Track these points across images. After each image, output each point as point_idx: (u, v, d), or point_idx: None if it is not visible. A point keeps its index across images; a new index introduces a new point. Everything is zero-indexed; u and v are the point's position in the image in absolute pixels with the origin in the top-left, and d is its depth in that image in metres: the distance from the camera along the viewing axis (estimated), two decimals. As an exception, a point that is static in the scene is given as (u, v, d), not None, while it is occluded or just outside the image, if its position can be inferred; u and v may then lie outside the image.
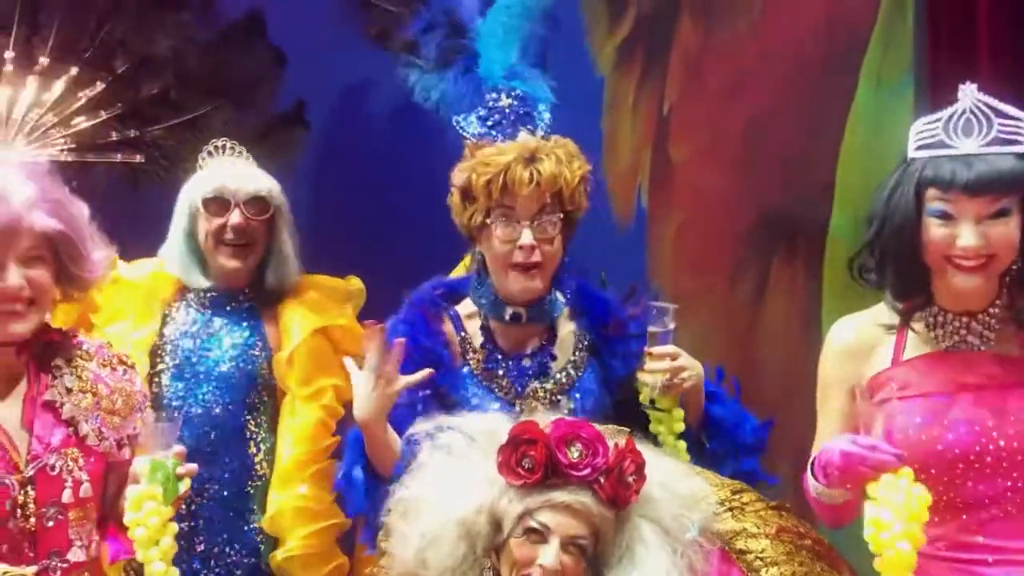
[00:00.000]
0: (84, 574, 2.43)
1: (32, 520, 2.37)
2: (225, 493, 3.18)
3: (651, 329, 2.78)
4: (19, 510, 2.36)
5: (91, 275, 2.47)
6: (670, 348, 2.76)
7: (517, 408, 2.77)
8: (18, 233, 2.35)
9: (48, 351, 2.46)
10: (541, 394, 2.79)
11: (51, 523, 2.38)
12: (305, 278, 3.34)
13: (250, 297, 3.31)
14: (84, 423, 2.42)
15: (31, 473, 2.37)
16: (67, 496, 2.39)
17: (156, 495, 2.32)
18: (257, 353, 3.26)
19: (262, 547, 3.20)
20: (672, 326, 2.78)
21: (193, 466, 2.40)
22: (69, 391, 2.43)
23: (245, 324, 3.28)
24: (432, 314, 2.87)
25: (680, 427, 2.77)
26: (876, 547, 2.31)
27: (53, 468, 2.39)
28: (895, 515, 2.30)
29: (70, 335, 2.52)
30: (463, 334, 2.87)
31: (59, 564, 2.39)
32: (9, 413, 2.40)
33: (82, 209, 2.47)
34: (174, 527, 2.36)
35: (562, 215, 2.80)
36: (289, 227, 3.31)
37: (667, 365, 2.74)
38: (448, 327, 2.87)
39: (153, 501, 2.32)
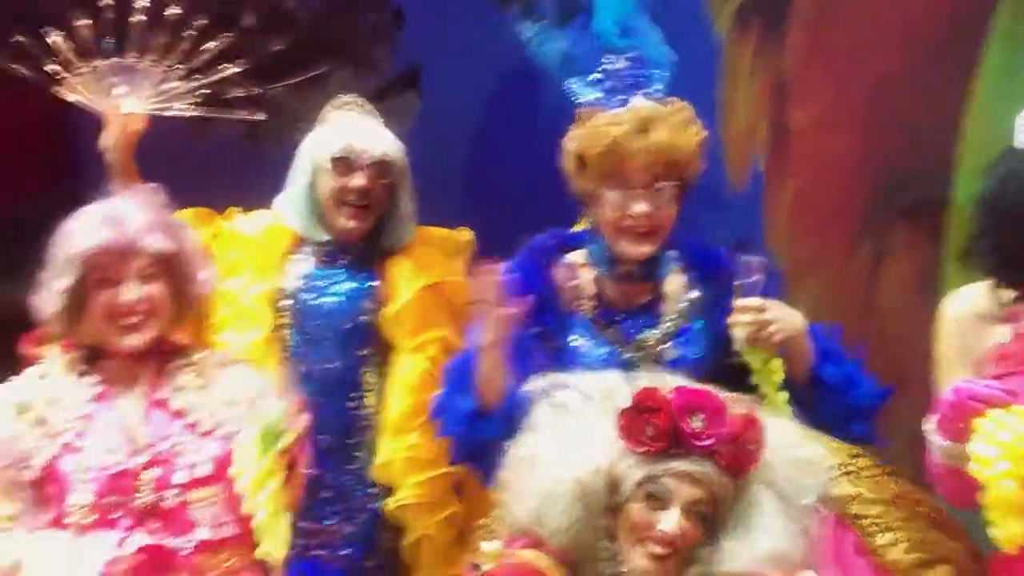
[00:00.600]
0: (222, 553, 2.55)
1: (156, 500, 2.50)
2: (341, 444, 3.22)
3: (737, 282, 2.75)
4: (142, 491, 2.51)
5: (201, 291, 2.68)
6: (755, 301, 2.72)
7: (625, 356, 2.78)
8: (135, 252, 2.57)
9: (164, 356, 2.65)
10: (650, 342, 2.79)
11: (174, 503, 2.51)
12: (416, 231, 3.36)
13: (365, 252, 3.32)
14: (197, 413, 2.57)
15: (150, 456, 2.53)
16: (185, 477, 2.52)
17: (266, 471, 2.41)
18: (370, 306, 3.28)
19: (379, 494, 3.23)
20: (758, 278, 2.74)
21: (302, 420, 2.48)
22: (183, 388, 2.61)
23: (359, 278, 3.30)
24: (545, 261, 2.88)
25: (778, 378, 2.73)
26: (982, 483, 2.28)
27: (171, 451, 2.54)
28: (1000, 453, 2.26)
29: (186, 344, 2.71)
30: (576, 282, 2.87)
31: (186, 543, 2.51)
32: (129, 407, 2.59)
33: (190, 233, 2.70)
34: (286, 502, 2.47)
35: (676, 183, 2.78)
36: (409, 189, 3.33)
37: (750, 318, 2.71)
38: (561, 274, 2.87)
39: (266, 482, 2.41)
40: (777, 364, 2.74)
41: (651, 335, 2.84)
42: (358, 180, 3.23)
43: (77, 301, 2.57)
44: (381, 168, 3.25)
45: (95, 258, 2.56)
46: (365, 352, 3.27)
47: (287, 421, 2.48)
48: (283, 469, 2.49)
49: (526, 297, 2.74)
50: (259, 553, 2.50)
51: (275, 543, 2.46)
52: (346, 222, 3.26)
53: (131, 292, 2.56)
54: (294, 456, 2.53)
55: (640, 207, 2.75)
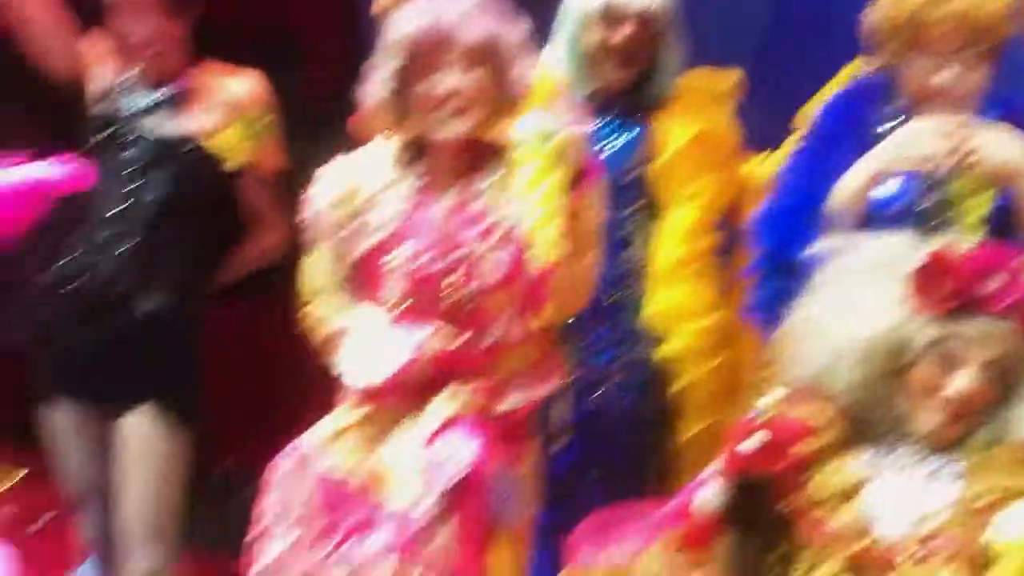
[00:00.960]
0: (516, 354, 2.62)
1: (456, 302, 2.56)
2: (612, 296, 3.24)
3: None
4: (445, 293, 2.56)
5: (520, 86, 2.63)
6: (954, 119, 2.64)
7: (926, 207, 2.72)
8: (454, 41, 2.54)
9: (479, 153, 2.63)
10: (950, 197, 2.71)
11: (473, 305, 2.57)
12: (684, 77, 3.33)
13: (632, 103, 3.31)
14: (502, 215, 2.57)
15: (454, 258, 2.56)
16: (485, 280, 2.56)
17: (540, 171, 2.43)
18: (637, 158, 3.29)
19: (650, 344, 3.26)
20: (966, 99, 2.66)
21: (582, 124, 2.52)
22: (492, 187, 2.60)
23: (626, 129, 3.30)
24: (860, 105, 2.87)
25: (976, 216, 2.66)
26: None
27: (474, 254, 2.56)
28: None
29: (501, 142, 2.65)
30: (887, 126, 2.82)
31: (483, 344, 2.58)
32: (440, 207, 2.60)
33: (515, 25, 2.62)
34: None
35: (985, 48, 2.70)
36: (676, 37, 3.29)
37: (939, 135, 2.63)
38: (878, 114, 2.85)
39: (540, 182, 2.44)
40: (982, 200, 2.65)
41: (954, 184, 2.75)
42: (624, 31, 3.21)
43: (400, 90, 2.59)
44: (647, 19, 3.21)
45: (416, 45, 2.55)
46: (635, 204, 3.29)
47: (563, 122, 2.48)
48: (563, 173, 2.49)
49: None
50: (528, 256, 2.53)
51: (543, 248, 2.49)
52: (613, 73, 3.25)
53: (450, 81, 2.55)
54: (579, 164, 2.53)
55: (946, 75, 2.70)
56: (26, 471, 3.91)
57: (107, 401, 3.21)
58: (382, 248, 2.60)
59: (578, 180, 2.56)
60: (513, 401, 2.62)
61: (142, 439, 3.19)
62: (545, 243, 2.51)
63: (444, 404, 2.56)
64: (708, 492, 2.35)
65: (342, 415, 2.63)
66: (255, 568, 2.62)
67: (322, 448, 2.61)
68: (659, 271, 3.25)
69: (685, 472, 3.05)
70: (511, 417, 2.62)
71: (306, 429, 2.66)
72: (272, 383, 3.79)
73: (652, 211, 3.30)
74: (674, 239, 3.25)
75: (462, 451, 2.51)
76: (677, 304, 3.23)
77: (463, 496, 2.51)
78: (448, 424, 2.54)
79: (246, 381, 3.72)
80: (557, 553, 2.70)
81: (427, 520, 2.52)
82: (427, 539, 2.52)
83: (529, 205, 2.53)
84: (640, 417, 3.24)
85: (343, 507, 2.57)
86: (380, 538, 2.54)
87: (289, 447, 2.63)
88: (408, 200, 2.61)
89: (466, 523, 2.51)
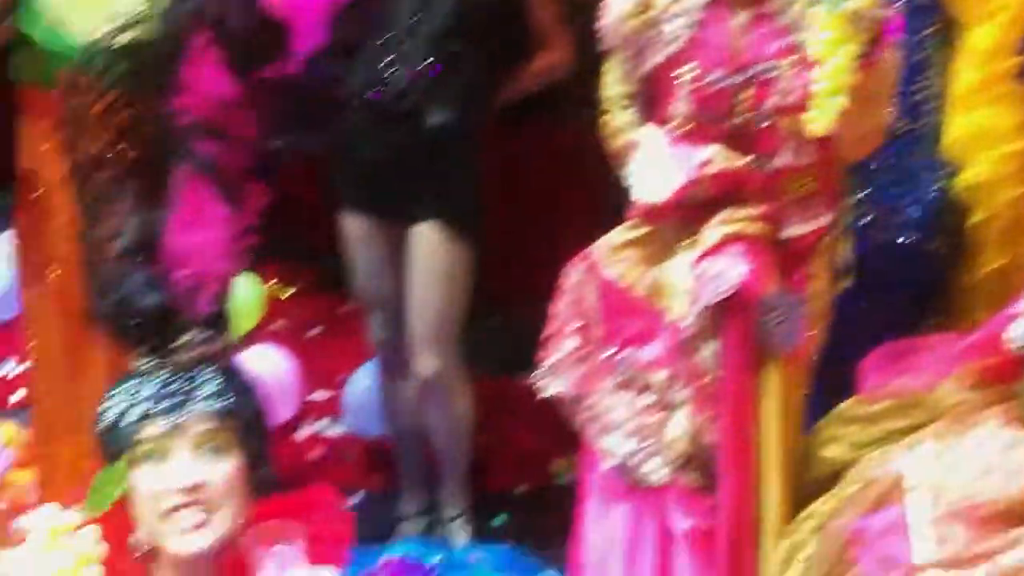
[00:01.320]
0: (800, 180, 2.55)
1: (745, 120, 2.50)
2: (907, 125, 3.13)
3: None
4: (736, 111, 2.50)
5: None
6: None
7: None
8: None
9: None
10: None
11: (764, 125, 2.50)
12: None
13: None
14: (803, 33, 2.45)
15: (748, 75, 2.48)
16: (778, 101, 2.48)
17: (835, 40, 2.33)
18: None
19: (947, 174, 3.16)
20: None
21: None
22: (791, 4, 2.48)
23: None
24: None
25: None
26: None
27: (770, 72, 2.48)
28: None
29: None
30: None
31: (767, 165, 2.52)
32: (733, 21, 2.51)
33: None
34: None
35: None
36: None
37: None
38: None
39: (834, 52, 2.33)
40: None
41: None
42: None
43: None
44: None
45: None
46: (932, 26, 3.15)
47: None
48: (856, 44, 2.35)
49: None
50: (805, 121, 2.41)
51: (821, 118, 2.37)
52: None
53: None
54: (874, 30, 2.37)
55: None
56: (298, 286, 4.06)
57: (395, 214, 3.29)
58: (673, 62, 2.53)
59: (873, 45, 2.38)
60: (795, 228, 2.57)
61: (428, 251, 3.26)
62: (828, 116, 2.35)
63: (721, 225, 2.53)
64: (1022, 325, 2.28)
65: (628, 229, 2.64)
66: (547, 361, 2.69)
67: (609, 257, 2.64)
68: (958, 96, 3.12)
69: (979, 308, 2.97)
70: (794, 243, 2.57)
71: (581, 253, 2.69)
72: (548, 206, 3.81)
73: (949, 33, 3.15)
74: (973, 61, 3.11)
75: (731, 270, 2.49)
76: (977, 129, 3.10)
77: (729, 314, 2.51)
78: (723, 244, 2.52)
79: (521, 203, 3.75)
80: (843, 384, 2.67)
81: (691, 333, 2.53)
82: (691, 352, 2.54)
83: (820, 74, 2.35)
84: (933, 252, 3.15)
85: (625, 315, 2.61)
86: (656, 348, 2.59)
87: (581, 254, 2.67)
88: (703, 12, 2.52)
89: (731, 341, 2.51)
